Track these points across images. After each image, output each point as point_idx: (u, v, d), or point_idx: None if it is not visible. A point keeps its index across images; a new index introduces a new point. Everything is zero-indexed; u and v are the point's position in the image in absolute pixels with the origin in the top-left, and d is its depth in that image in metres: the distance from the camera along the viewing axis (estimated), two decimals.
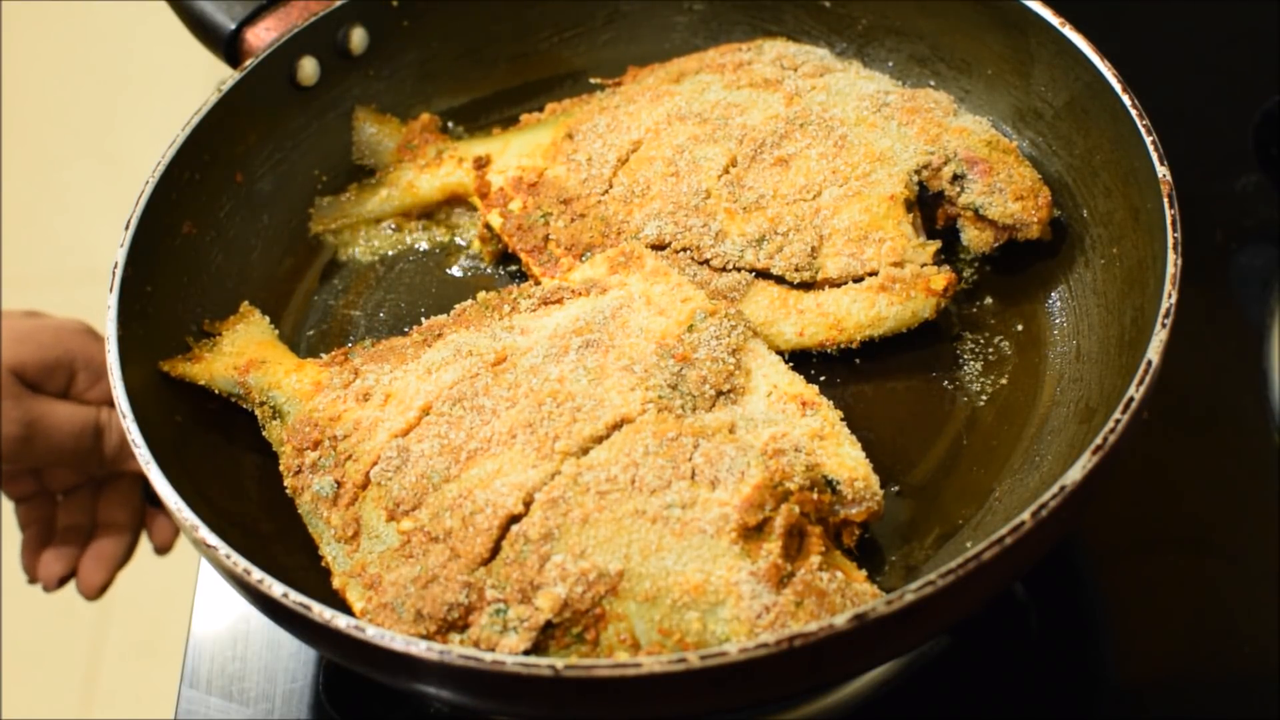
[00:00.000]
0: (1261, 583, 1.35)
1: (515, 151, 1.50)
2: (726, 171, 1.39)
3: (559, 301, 1.33)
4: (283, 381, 1.34)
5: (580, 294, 1.33)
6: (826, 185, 1.36)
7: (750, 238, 1.35)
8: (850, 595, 1.10)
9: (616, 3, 1.62)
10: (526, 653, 1.10)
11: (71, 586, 1.67)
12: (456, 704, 1.13)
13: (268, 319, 1.43)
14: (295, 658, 1.34)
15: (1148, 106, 1.31)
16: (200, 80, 3.27)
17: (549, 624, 1.11)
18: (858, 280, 1.33)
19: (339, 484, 1.24)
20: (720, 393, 1.23)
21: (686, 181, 1.39)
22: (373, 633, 1.05)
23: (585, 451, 1.17)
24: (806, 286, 1.34)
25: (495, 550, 1.14)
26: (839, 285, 1.33)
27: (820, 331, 1.33)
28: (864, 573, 1.15)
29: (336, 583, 1.21)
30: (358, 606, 1.18)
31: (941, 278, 1.32)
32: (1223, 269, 1.55)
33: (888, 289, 1.32)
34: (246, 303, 1.44)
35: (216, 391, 1.36)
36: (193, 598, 1.42)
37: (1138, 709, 1.32)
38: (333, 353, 1.37)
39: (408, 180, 1.52)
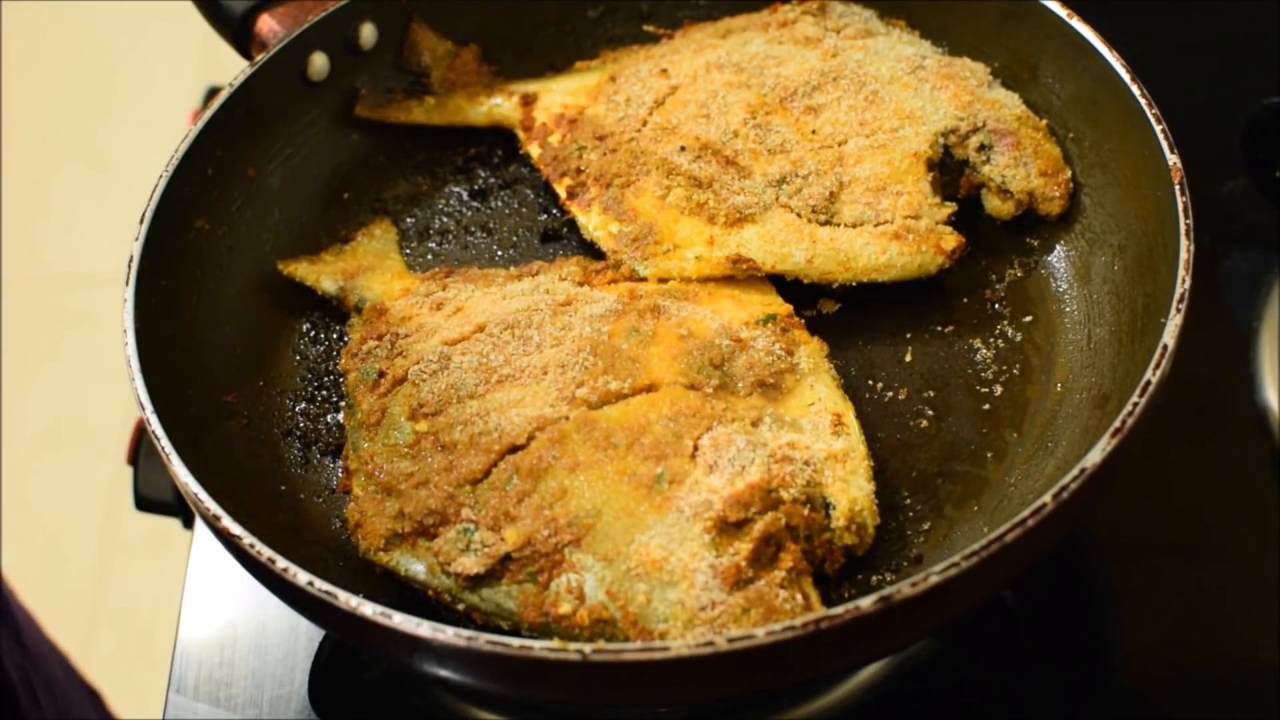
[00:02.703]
0: (1256, 584, 1.36)
1: (562, 90, 1.55)
2: (755, 115, 1.41)
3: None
4: (376, 285, 1.42)
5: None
6: (852, 135, 1.39)
7: (771, 178, 1.37)
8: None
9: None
10: (479, 577, 1.14)
11: (61, 593, 1.65)
12: (477, 689, 1.13)
13: (396, 232, 1.51)
14: (283, 663, 1.34)
15: None
16: (189, 89, 3.27)
17: (508, 556, 1.14)
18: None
19: (382, 374, 1.30)
20: (763, 384, 1.24)
21: (716, 123, 1.41)
22: (399, 619, 1.06)
23: (602, 405, 1.21)
24: (822, 223, 1.36)
25: (487, 473, 1.18)
26: (854, 228, 1.35)
27: (828, 263, 1.34)
28: (823, 610, 1.09)
29: (351, 482, 1.26)
30: (356, 493, 1.24)
31: (952, 238, 1.34)
32: (1210, 273, 1.55)
33: (901, 237, 1.33)
34: (384, 217, 1.52)
35: (319, 293, 1.44)
36: (180, 603, 1.42)
37: (1136, 710, 1.32)
38: (434, 270, 1.44)
39: (456, 102, 1.57)
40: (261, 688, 1.32)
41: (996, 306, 1.38)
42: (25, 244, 3.39)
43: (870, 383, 1.34)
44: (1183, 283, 1.18)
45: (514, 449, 1.19)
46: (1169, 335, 1.15)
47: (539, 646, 1.02)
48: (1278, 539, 1.37)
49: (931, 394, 1.32)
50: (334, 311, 1.46)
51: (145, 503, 1.20)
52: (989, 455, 1.27)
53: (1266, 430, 1.44)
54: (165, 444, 1.20)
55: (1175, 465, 1.43)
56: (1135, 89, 1.33)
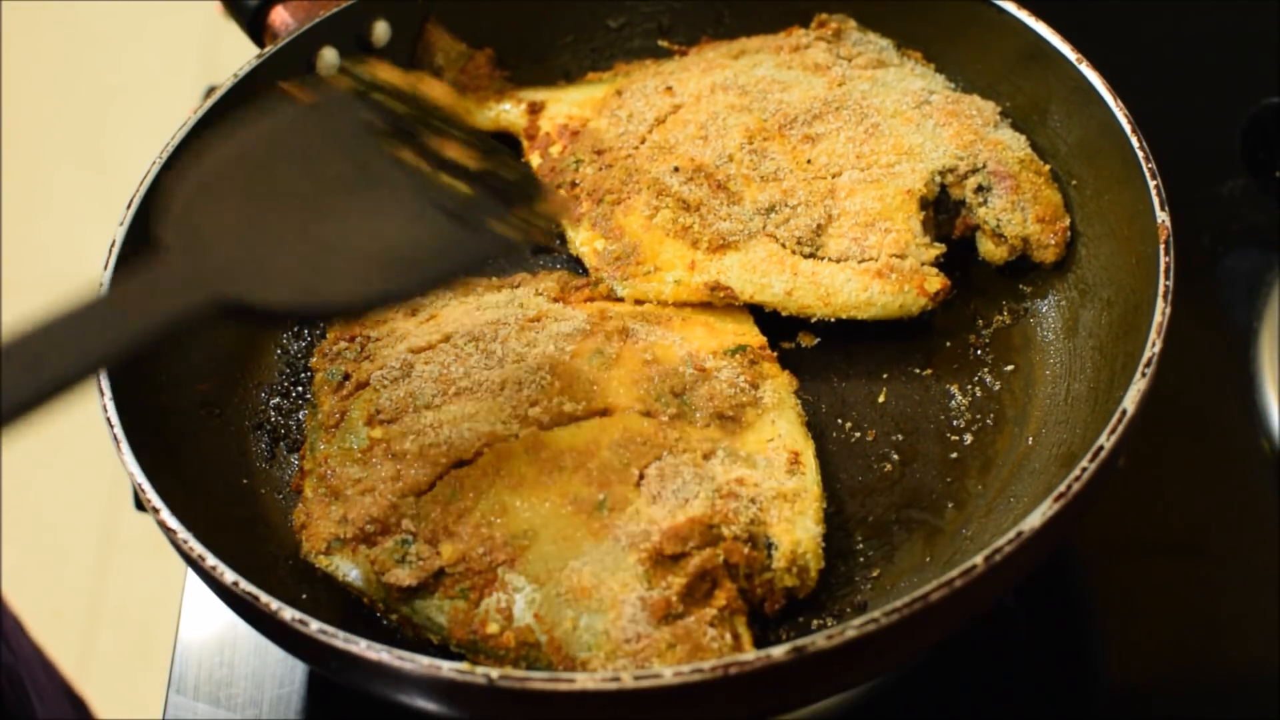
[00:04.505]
0: (1253, 585, 1.34)
1: (569, 101, 1.54)
2: (752, 140, 1.40)
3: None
4: None
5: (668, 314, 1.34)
6: (847, 168, 1.37)
7: (760, 205, 1.36)
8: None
9: (636, 3, 1.62)
10: (412, 589, 1.14)
11: (61, 593, 1.66)
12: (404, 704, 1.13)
13: None
14: (283, 664, 1.34)
15: (1136, 109, 1.31)
16: (189, 89, 3.29)
17: (442, 571, 1.14)
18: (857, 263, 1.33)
19: (347, 376, 1.31)
20: (721, 416, 1.22)
21: (712, 145, 1.40)
22: (315, 628, 1.06)
23: (554, 426, 1.20)
24: (806, 255, 1.34)
25: (432, 486, 1.18)
26: (838, 263, 1.33)
27: (808, 297, 1.33)
28: (754, 652, 1.03)
29: (304, 482, 1.26)
30: (306, 495, 1.24)
31: (937, 280, 1.32)
32: (1210, 273, 1.53)
33: (884, 276, 1.31)
34: None
35: None
36: (180, 603, 1.43)
37: (1135, 711, 1.31)
38: None
39: (465, 105, 1.57)
40: (261, 688, 1.33)
41: (979, 353, 1.35)
42: (25, 244, 3.43)
43: (839, 421, 1.32)
44: (1152, 346, 1.15)
45: (461, 463, 1.19)
46: (1130, 400, 1.11)
47: (446, 667, 1.02)
48: (1277, 539, 1.35)
49: (900, 438, 1.30)
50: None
51: (140, 503, 1.21)
52: (949, 505, 1.25)
53: (1266, 430, 1.42)
54: (117, 430, 1.20)
55: (1174, 465, 1.42)
56: (1135, 141, 1.29)
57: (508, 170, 1.29)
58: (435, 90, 1.34)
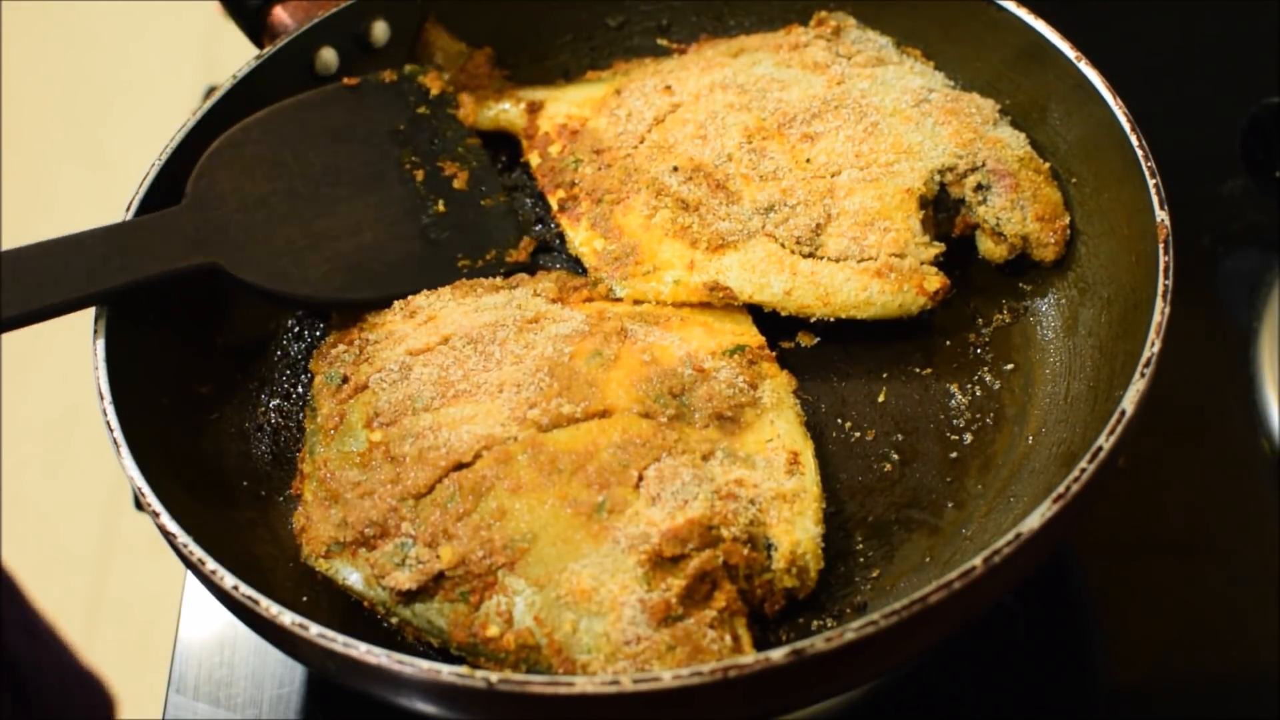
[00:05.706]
0: (1253, 585, 1.34)
1: (568, 100, 1.54)
2: (751, 139, 1.39)
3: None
4: None
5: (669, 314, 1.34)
6: (846, 167, 1.36)
7: (759, 205, 1.36)
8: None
9: (635, 2, 1.62)
10: (412, 593, 1.14)
11: (61, 593, 1.67)
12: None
13: None
14: (283, 664, 1.34)
15: (1136, 109, 1.30)
16: (189, 89, 3.28)
17: (441, 574, 1.14)
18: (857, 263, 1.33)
19: (346, 379, 1.30)
20: (721, 416, 1.22)
21: (712, 145, 1.40)
22: (315, 631, 1.06)
23: (553, 428, 1.19)
24: (805, 255, 1.34)
25: (431, 489, 1.18)
26: (837, 262, 1.33)
27: (807, 297, 1.32)
28: (754, 654, 1.04)
29: (303, 485, 1.26)
30: (306, 498, 1.25)
31: (936, 279, 1.32)
32: (1210, 273, 1.54)
33: (883, 275, 1.31)
34: None
35: None
36: (180, 603, 1.43)
37: (1136, 711, 1.31)
38: None
39: (466, 105, 1.56)
40: (261, 688, 1.33)
41: (979, 351, 1.35)
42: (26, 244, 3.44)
43: (839, 421, 1.32)
44: (1152, 346, 1.14)
45: (460, 466, 1.18)
46: (1129, 400, 1.11)
47: (446, 670, 1.02)
48: (1277, 539, 1.36)
49: (900, 437, 1.30)
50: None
51: (140, 503, 1.21)
52: (949, 505, 1.25)
53: (1266, 430, 1.42)
54: (117, 434, 1.20)
55: (1174, 465, 1.42)
56: (1134, 139, 1.29)
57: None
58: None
